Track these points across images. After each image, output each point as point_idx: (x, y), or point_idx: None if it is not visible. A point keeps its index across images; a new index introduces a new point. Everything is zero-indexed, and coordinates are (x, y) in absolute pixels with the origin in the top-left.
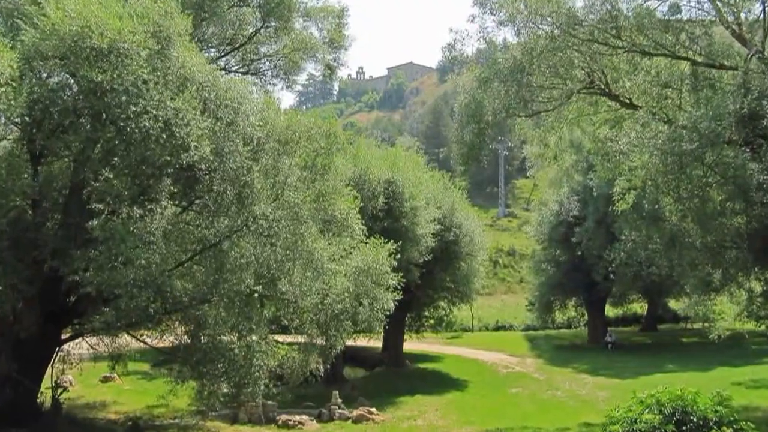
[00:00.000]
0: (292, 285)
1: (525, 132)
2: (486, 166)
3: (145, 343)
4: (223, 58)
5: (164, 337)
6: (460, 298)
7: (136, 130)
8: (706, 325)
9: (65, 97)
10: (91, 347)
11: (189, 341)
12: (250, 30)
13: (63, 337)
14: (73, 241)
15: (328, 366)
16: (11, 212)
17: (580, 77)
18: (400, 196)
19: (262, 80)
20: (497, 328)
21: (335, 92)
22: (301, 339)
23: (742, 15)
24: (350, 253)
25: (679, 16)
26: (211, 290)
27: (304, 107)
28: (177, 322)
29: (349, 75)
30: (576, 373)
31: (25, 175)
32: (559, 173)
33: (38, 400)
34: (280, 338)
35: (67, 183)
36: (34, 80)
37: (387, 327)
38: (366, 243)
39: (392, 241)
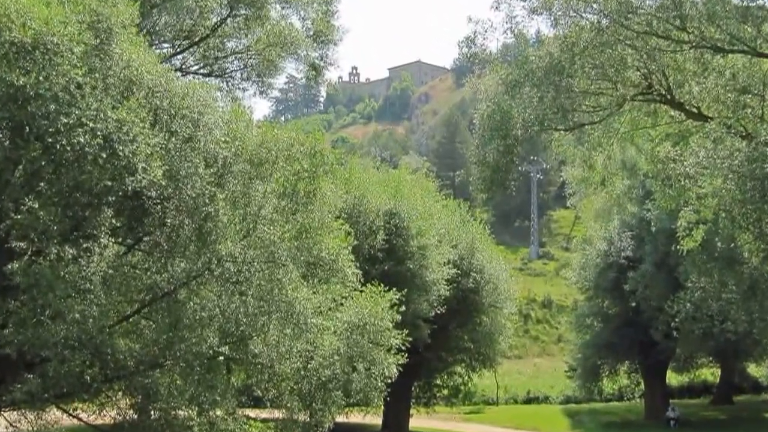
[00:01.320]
0: (267, 345)
1: (564, 150)
2: (514, 194)
3: (80, 419)
4: (180, 56)
5: (104, 411)
6: (481, 362)
7: (68, 148)
8: None
9: None
10: (11, 425)
11: (135, 417)
12: (214, 20)
13: None
14: None
15: None
16: None
17: (634, 80)
18: (405, 231)
19: (230, 84)
20: (528, 401)
21: (322, 99)
22: (278, 414)
23: None
24: (341, 304)
25: (761, 1)
26: (164, 352)
27: (283, 118)
28: (120, 393)
29: (340, 78)
30: None
31: None
32: (607, 203)
33: None
34: (252, 413)
35: None
36: None
37: (388, 399)
38: (361, 291)
39: (395, 289)
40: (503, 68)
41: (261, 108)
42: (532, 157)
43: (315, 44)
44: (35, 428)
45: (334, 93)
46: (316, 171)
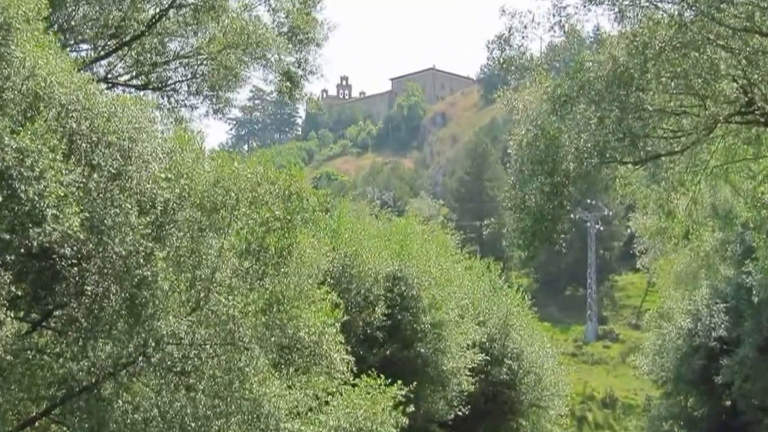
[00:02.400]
0: None
1: (633, 191)
2: (565, 251)
3: None
4: (105, 61)
5: None
6: None
7: None
8: None
9: None
10: None
11: None
12: (151, 12)
13: None
14: None
15: None
16: None
17: (729, 94)
18: (414, 303)
19: (173, 99)
20: None
21: (300, 121)
22: None
23: None
24: (326, 402)
25: None
26: None
27: (247, 147)
28: None
29: (325, 92)
30: None
31: None
32: (692, 263)
33: None
34: None
35: None
36: None
37: None
38: (354, 385)
39: (400, 382)
40: (549, 78)
41: (217, 132)
42: (588, 201)
43: (290, 45)
44: None
45: (316, 112)
46: (291, 220)
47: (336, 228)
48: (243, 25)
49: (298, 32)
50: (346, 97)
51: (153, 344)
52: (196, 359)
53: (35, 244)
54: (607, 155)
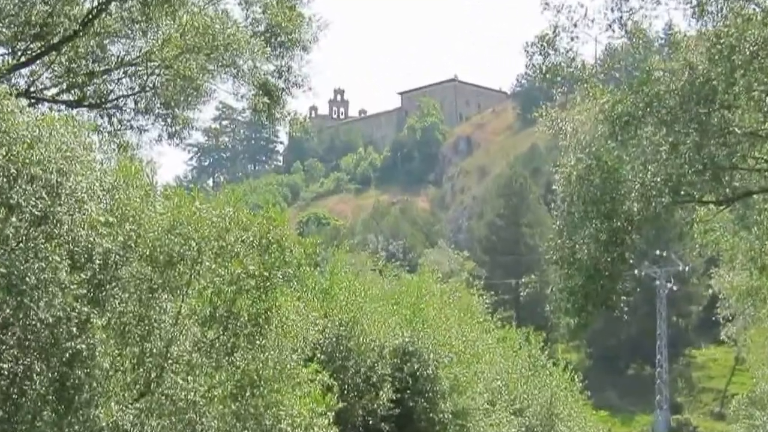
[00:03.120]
0: None
1: (716, 239)
2: (627, 318)
3: None
4: (27, 69)
5: None
6: None
7: None
8: None
9: None
10: None
11: None
12: (86, 6)
13: None
14: None
15: None
16: None
17: None
18: (431, 385)
19: (116, 119)
20: None
21: (281, 147)
22: None
23: None
24: None
25: None
26: None
27: (212, 181)
28: None
29: (314, 110)
30: None
31: None
32: None
33: None
34: None
35: None
36: None
37: None
38: None
39: None
40: (607, 92)
41: (173, 162)
42: (657, 253)
43: (268, 48)
44: None
45: (302, 136)
46: (270, 277)
47: (328, 288)
48: (207, 23)
49: (279, 32)
50: (342, 116)
51: None
52: None
53: None
54: (683, 192)
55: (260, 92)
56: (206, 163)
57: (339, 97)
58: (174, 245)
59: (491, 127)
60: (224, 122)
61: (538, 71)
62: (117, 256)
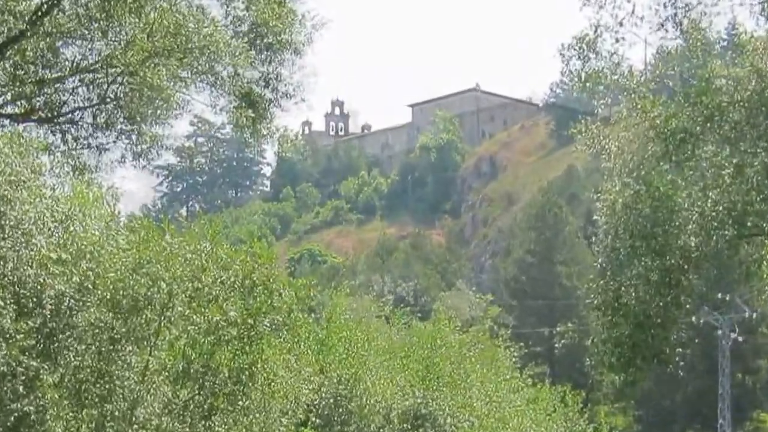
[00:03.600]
0: None
1: None
2: (682, 375)
3: None
4: None
5: None
6: None
7: None
8: None
9: None
10: None
11: None
12: (35, 1)
13: None
14: None
15: None
16: None
17: None
18: None
19: (70, 137)
20: None
21: (269, 170)
22: None
23: None
24: None
25: None
26: None
27: (185, 211)
28: None
29: (307, 125)
30: None
31: None
32: None
33: None
34: None
35: None
36: None
37: None
38: None
39: None
40: (658, 104)
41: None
42: (719, 296)
43: (252, 51)
44: None
45: (294, 157)
46: (255, 326)
47: (325, 338)
48: (179, 22)
49: (266, 32)
50: (341, 133)
51: None
52: None
53: None
54: (749, 224)
55: (243, 104)
56: (179, 189)
57: (337, 110)
58: (140, 287)
59: (520, 146)
60: (200, 140)
61: (576, 79)
62: (72, 300)
